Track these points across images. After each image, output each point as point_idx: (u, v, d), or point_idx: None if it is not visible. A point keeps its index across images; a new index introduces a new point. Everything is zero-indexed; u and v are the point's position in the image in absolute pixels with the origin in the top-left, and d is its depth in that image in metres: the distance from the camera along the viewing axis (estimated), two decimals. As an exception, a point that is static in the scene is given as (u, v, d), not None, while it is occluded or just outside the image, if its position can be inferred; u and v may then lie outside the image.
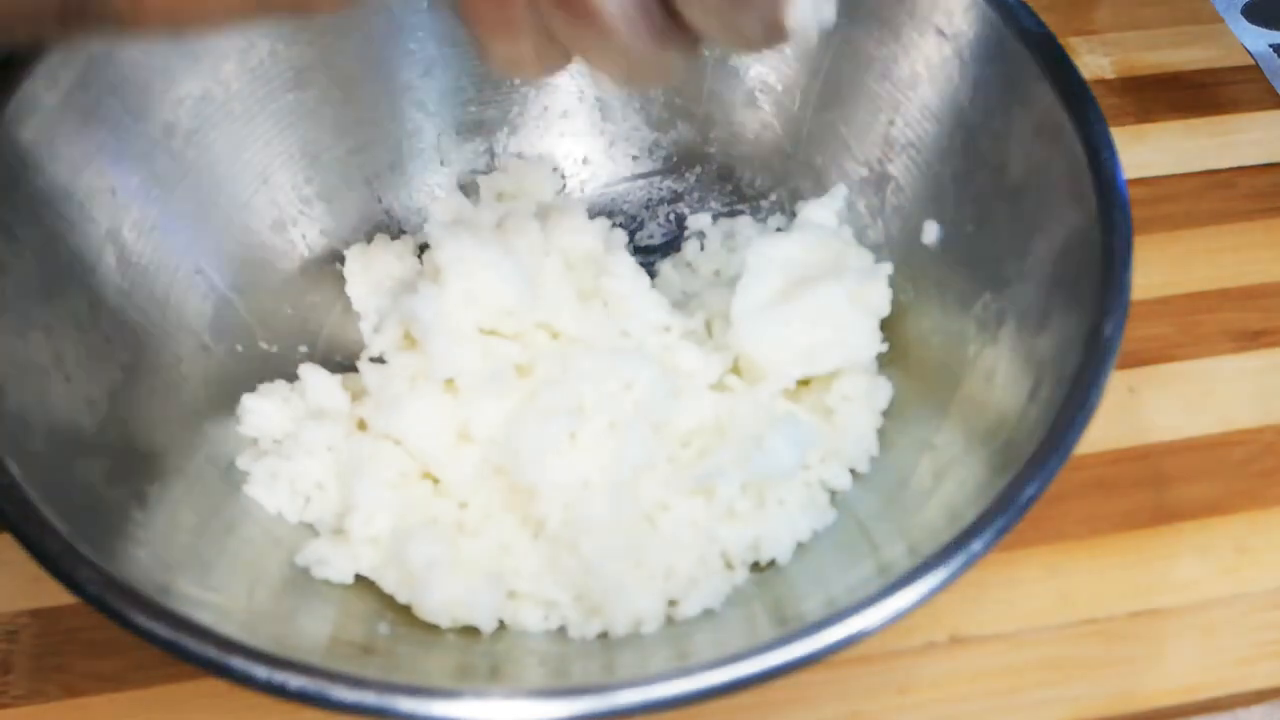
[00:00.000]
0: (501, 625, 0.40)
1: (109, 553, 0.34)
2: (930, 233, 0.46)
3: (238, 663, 0.31)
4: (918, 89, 0.46)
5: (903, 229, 0.47)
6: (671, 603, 0.40)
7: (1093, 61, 0.60)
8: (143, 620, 0.32)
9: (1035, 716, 0.41)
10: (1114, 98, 0.59)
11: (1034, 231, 0.41)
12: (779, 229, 0.50)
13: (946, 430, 0.41)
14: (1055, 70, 0.41)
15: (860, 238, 0.48)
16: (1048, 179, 0.41)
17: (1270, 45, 0.61)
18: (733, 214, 0.52)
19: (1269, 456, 0.47)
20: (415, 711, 0.31)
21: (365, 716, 0.31)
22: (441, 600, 0.39)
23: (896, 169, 0.47)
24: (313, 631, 0.38)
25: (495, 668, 0.38)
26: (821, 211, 0.48)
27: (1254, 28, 0.62)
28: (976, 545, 0.33)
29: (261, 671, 0.31)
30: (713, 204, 0.52)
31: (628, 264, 0.47)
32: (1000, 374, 0.40)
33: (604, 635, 0.39)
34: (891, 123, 0.47)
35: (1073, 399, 0.35)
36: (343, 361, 0.47)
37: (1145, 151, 0.56)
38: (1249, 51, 0.61)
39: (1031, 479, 0.34)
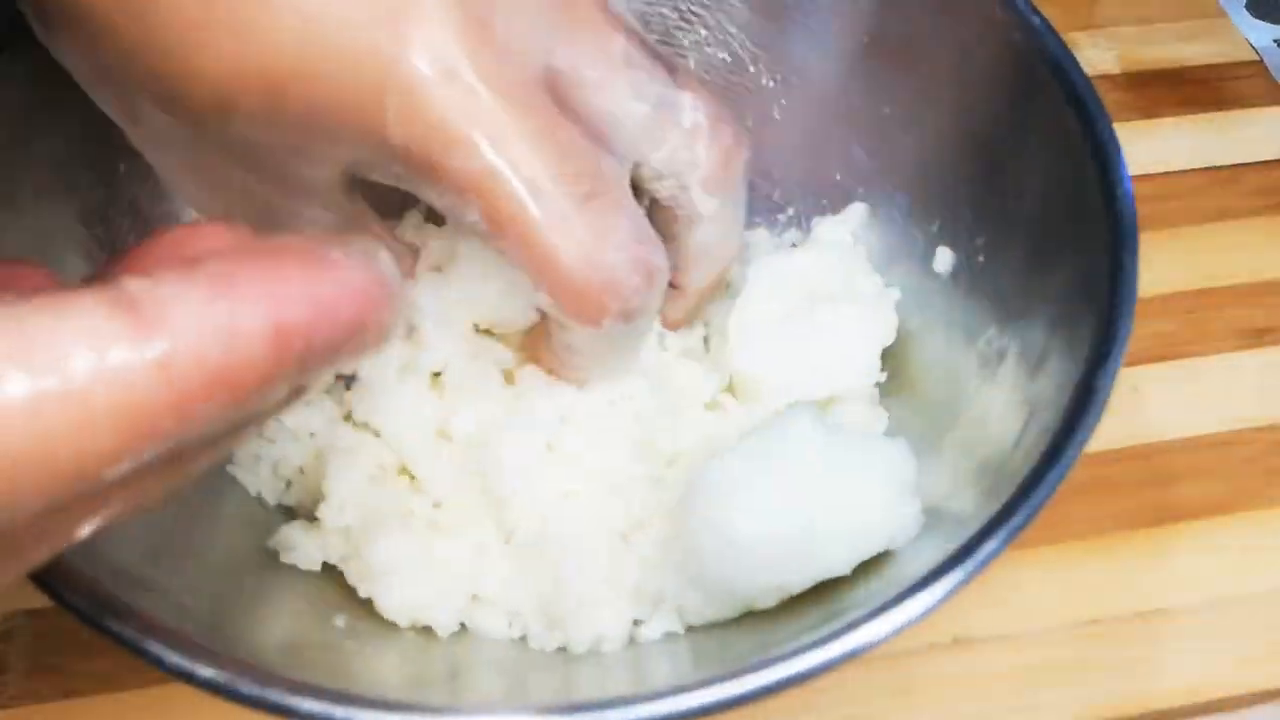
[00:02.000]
0: (462, 627, 0.39)
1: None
2: (943, 260, 0.44)
3: (172, 658, 0.29)
4: (935, 104, 0.44)
5: (912, 254, 0.45)
6: (636, 623, 0.39)
7: (1096, 56, 0.60)
8: (69, 597, 0.30)
9: (1039, 718, 0.41)
10: (1118, 93, 0.58)
11: (1043, 265, 0.40)
12: (794, 244, 0.48)
13: (934, 470, 0.39)
14: (1058, 67, 0.41)
15: (871, 259, 0.46)
16: (1059, 202, 0.39)
17: (1275, 40, 0.61)
18: (748, 227, 0.50)
19: (1274, 455, 0.47)
20: None
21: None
22: (401, 599, 0.38)
23: (909, 187, 0.46)
24: (270, 617, 0.37)
25: (453, 672, 0.37)
26: (837, 229, 0.46)
27: (1258, 22, 0.62)
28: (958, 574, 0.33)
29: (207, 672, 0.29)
30: (726, 217, 0.50)
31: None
32: (994, 415, 0.39)
33: (563, 649, 0.38)
34: (905, 134, 0.45)
35: (1058, 446, 0.33)
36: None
37: (1150, 148, 0.56)
38: (1253, 46, 0.60)
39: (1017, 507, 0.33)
